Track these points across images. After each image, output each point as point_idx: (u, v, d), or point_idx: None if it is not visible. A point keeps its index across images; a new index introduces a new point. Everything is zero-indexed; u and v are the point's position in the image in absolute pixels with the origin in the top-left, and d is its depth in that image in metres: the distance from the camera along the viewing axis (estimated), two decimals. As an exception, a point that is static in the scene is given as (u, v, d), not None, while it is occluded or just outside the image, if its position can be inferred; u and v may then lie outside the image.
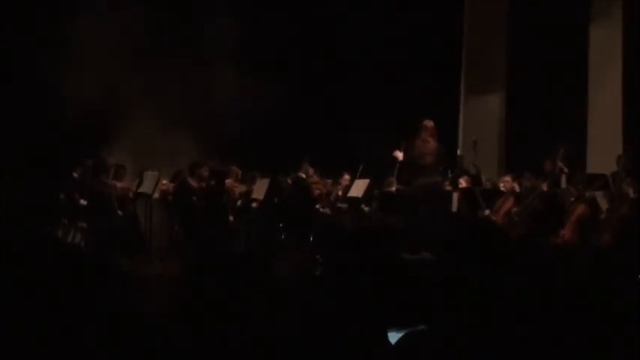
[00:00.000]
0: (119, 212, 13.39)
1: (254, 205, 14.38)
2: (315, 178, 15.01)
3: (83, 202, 13.27)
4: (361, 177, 14.52)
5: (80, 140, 14.70)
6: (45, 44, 14.95)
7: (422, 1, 18.15)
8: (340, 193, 15.18)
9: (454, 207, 14.35)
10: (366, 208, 14.78)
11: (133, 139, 15.09)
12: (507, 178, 14.33)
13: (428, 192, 13.05)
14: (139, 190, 13.71)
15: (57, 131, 14.87)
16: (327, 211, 14.94)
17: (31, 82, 14.92)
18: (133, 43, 15.16)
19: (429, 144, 13.07)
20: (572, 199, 13.25)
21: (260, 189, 14.33)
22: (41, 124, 14.81)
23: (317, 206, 14.90)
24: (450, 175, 15.10)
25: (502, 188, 14.20)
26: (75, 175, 13.84)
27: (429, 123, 13.21)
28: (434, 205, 13.06)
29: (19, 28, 15.05)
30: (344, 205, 14.93)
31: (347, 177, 15.19)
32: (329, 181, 15.42)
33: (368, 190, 14.25)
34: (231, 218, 14.09)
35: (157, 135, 15.25)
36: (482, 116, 19.29)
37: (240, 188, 14.71)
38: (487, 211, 13.60)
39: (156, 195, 13.72)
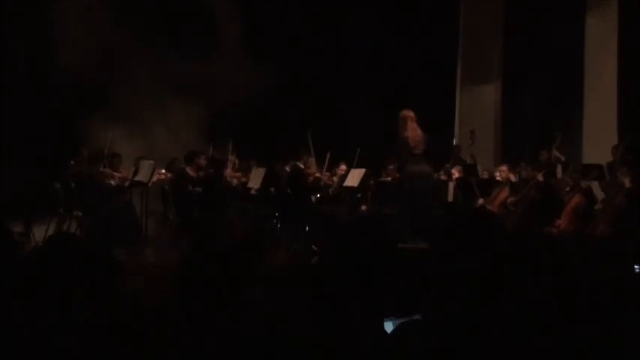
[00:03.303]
0: (115, 201, 13.37)
1: (250, 194, 14.39)
2: (314, 169, 14.97)
3: (79, 190, 13.26)
4: (358, 164, 14.51)
5: (75, 127, 14.69)
6: (40, 28, 14.87)
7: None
8: (336, 182, 15.14)
9: (450, 197, 14.36)
10: (362, 200, 14.79)
11: (129, 126, 15.05)
12: (504, 168, 14.33)
13: (418, 180, 13.07)
14: (135, 179, 13.69)
15: (53, 119, 14.85)
16: (324, 200, 14.90)
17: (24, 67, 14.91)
18: (132, 26, 15.15)
19: (418, 132, 13.11)
20: (568, 189, 13.27)
21: (256, 178, 14.32)
22: (35, 110, 14.80)
23: (313, 196, 14.86)
24: (447, 166, 15.10)
25: (498, 178, 14.21)
26: (72, 163, 13.82)
27: (410, 112, 13.23)
28: (423, 193, 13.09)
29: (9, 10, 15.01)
30: (340, 195, 14.89)
31: (343, 167, 15.15)
32: (327, 173, 15.39)
33: (364, 180, 14.24)
34: (227, 208, 14.08)
35: (153, 122, 15.24)
36: (478, 106, 19.29)
37: (237, 176, 14.71)
38: (482, 201, 13.62)
39: (152, 182, 13.73)
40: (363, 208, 14.70)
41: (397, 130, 13.15)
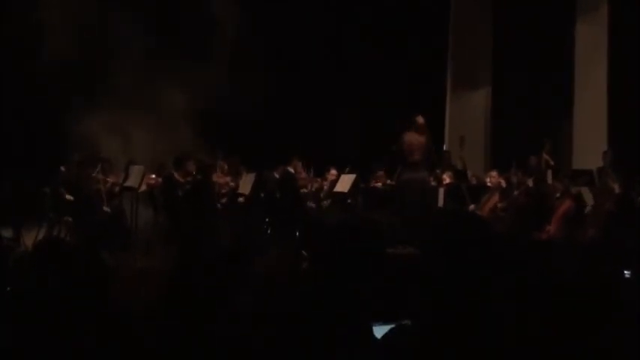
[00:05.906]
0: (105, 207, 13.34)
1: (240, 199, 14.37)
2: (304, 175, 14.98)
3: (69, 196, 13.21)
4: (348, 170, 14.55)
5: (65, 131, 14.65)
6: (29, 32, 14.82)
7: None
8: (326, 187, 15.14)
9: (440, 202, 14.36)
10: (352, 204, 14.79)
11: (120, 130, 15.00)
12: (494, 174, 14.36)
13: (414, 187, 13.13)
14: (125, 185, 13.64)
15: (42, 122, 14.82)
16: (314, 206, 14.91)
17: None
18: (120, 30, 15.14)
19: (415, 139, 13.19)
20: (558, 194, 13.29)
21: (246, 183, 14.30)
22: (23, 113, 14.77)
23: (303, 202, 14.86)
24: (437, 171, 15.11)
25: (488, 184, 14.23)
26: (61, 168, 13.77)
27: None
28: (420, 200, 13.13)
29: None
30: (329, 201, 14.90)
31: (333, 172, 15.16)
32: (318, 179, 15.40)
33: (354, 186, 14.25)
34: (216, 213, 14.04)
35: (142, 123, 15.19)
36: (468, 112, 19.32)
37: (226, 182, 14.67)
38: (472, 206, 13.62)
39: (143, 187, 13.68)
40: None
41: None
